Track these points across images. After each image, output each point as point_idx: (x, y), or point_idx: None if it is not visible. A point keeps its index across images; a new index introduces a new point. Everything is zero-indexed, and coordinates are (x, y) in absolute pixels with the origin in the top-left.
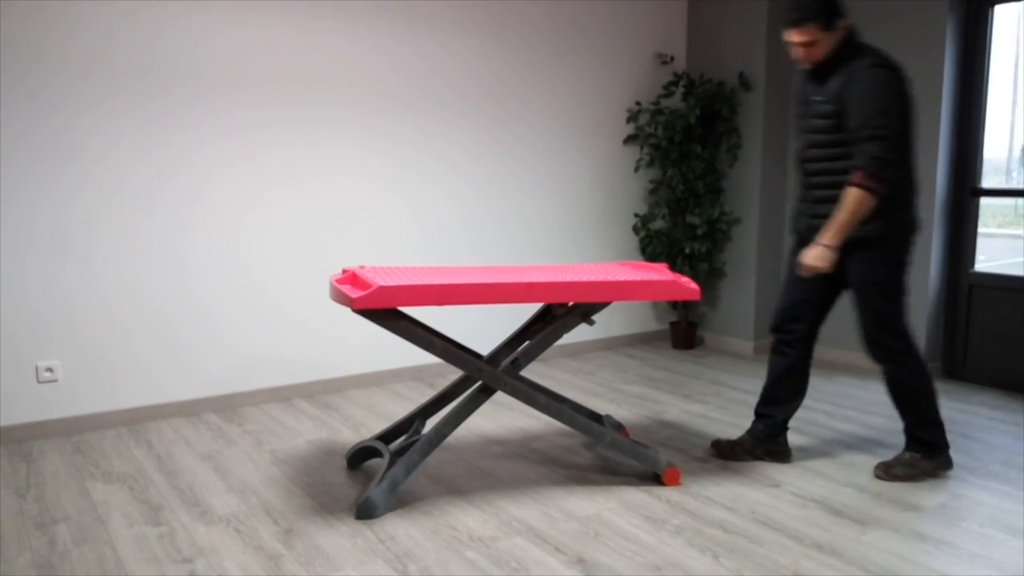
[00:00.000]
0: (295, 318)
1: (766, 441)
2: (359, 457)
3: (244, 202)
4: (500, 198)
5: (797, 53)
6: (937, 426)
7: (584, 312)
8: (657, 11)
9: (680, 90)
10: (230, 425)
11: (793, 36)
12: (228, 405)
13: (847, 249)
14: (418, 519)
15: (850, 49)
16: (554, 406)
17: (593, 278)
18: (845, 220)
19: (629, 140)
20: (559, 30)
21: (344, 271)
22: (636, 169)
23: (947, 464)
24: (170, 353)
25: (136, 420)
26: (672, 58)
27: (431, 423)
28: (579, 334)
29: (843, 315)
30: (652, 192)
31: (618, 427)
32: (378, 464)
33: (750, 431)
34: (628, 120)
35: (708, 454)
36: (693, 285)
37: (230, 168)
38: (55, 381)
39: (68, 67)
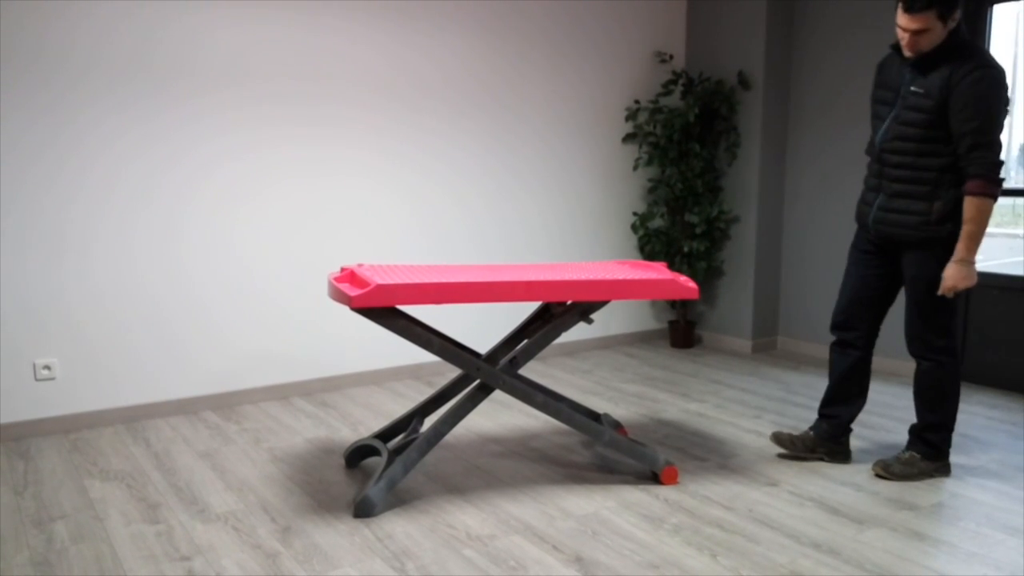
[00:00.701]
0: (294, 316)
1: (829, 441)
2: (357, 455)
3: (243, 199)
4: (499, 196)
5: (903, 40)
6: (947, 432)
7: (583, 311)
8: (656, 9)
9: (679, 89)
10: (228, 423)
11: (907, 21)
12: (226, 403)
13: (910, 245)
14: (416, 517)
15: (957, 45)
16: (552, 404)
17: (591, 277)
18: (976, 231)
19: (628, 138)
20: (558, 28)
21: (343, 269)
22: (635, 168)
23: (946, 471)
24: (168, 351)
25: (134, 418)
26: (671, 56)
27: (429, 421)
28: (577, 333)
29: None
30: (651, 191)
31: (616, 426)
32: (376, 462)
33: (814, 429)
34: (627, 118)
35: (769, 441)
36: (691, 284)
37: (229, 165)
38: (53, 379)
39: (67, 64)
